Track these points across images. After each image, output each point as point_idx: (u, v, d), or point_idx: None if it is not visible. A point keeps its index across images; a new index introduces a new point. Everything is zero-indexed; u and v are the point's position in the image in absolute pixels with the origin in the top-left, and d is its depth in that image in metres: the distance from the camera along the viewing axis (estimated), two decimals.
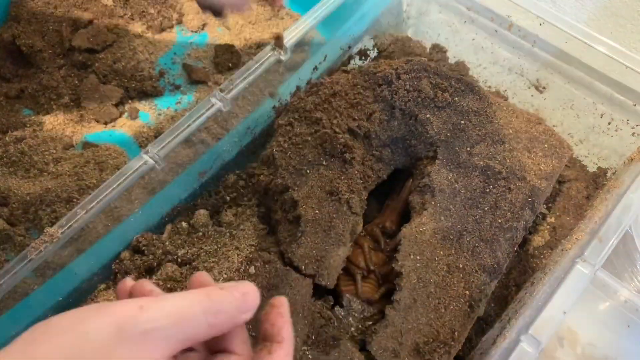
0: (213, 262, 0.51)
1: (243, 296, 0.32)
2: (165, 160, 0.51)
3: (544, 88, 0.63)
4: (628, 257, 0.58)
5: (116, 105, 0.76)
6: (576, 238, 0.50)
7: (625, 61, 0.55)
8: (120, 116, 0.76)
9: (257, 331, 0.35)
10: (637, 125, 0.58)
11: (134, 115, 0.76)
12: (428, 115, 0.52)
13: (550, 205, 0.63)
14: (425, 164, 0.52)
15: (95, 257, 0.53)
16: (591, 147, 0.64)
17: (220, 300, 0.31)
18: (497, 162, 0.50)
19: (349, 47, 0.65)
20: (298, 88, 0.60)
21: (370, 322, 0.48)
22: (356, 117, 0.52)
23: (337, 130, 0.51)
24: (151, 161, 0.50)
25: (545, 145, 0.50)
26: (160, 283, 0.51)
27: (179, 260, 0.53)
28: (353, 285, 0.50)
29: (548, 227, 0.62)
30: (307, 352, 0.45)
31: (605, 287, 0.54)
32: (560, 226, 0.60)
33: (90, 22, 0.79)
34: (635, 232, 0.56)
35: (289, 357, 0.34)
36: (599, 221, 0.49)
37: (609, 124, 0.61)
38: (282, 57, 0.56)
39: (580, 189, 0.63)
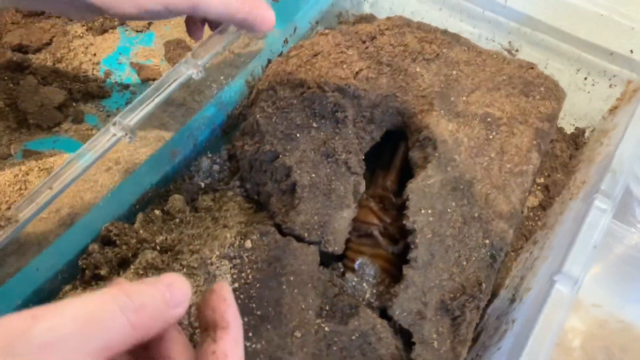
0: (199, 244, 0.45)
1: (168, 287, 0.27)
2: (137, 133, 0.45)
3: (516, 51, 0.63)
4: (625, 208, 0.57)
5: (59, 108, 0.69)
6: (581, 182, 0.48)
7: (600, 9, 0.55)
8: (64, 120, 0.69)
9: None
10: (614, 76, 0.58)
11: (79, 119, 0.69)
12: (417, 69, 0.49)
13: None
14: (420, 118, 0.49)
15: (60, 252, 0.45)
16: (567, 107, 0.64)
17: (140, 294, 0.26)
18: (496, 108, 0.47)
19: (317, 23, 0.62)
20: (269, 61, 0.56)
21: (384, 288, 0.44)
22: (343, 76, 0.49)
23: (325, 88, 0.47)
24: (122, 132, 0.44)
25: (542, 89, 0.48)
26: (140, 272, 0.44)
27: (158, 247, 0.47)
28: (366, 247, 0.45)
29: (539, 187, 0.60)
30: (323, 325, 0.40)
31: (613, 235, 0.53)
32: (553, 183, 0.59)
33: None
34: (632, 182, 0.55)
35: (237, 344, 0.29)
36: (603, 160, 0.47)
37: (585, 79, 0.60)
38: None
39: (563, 148, 0.62)
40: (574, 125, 0.65)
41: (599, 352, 0.55)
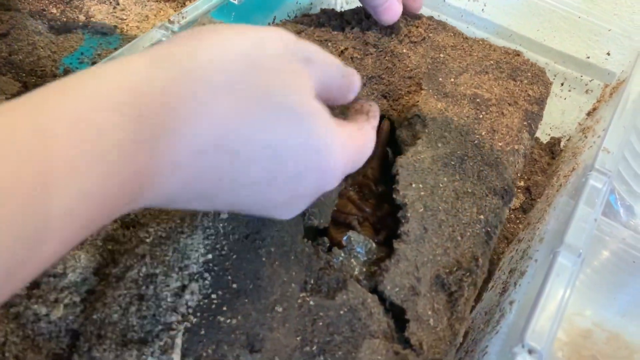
0: (166, 217, 0.41)
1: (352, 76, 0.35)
2: None
3: None
4: (607, 207, 0.56)
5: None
6: (570, 169, 0.47)
7: (573, 16, 0.56)
8: None
9: None
10: (590, 81, 0.59)
11: None
12: (404, 50, 0.48)
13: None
14: (407, 99, 0.47)
15: None
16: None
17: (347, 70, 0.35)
18: (485, 90, 0.46)
19: (296, 16, 0.61)
20: None
21: (377, 265, 0.40)
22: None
23: None
24: None
25: (529, 74, 0.48)
26: (99, 243, 0.39)
27: (119, 221, 0.41)
28: (346, 229, 0.41)
29: (519, 190, 0.58)
30: (308, 299, 0.36)
31: (605, 231, 0.51)
32: (534, 185, 0.57)
33: None
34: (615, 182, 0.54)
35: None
36: (594, 145, 0.46)
37: (562, 84, 0.61)
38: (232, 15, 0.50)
39: (541, 154, 0.61)
40: (549, 135, 0.64)
41: None
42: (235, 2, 0.49)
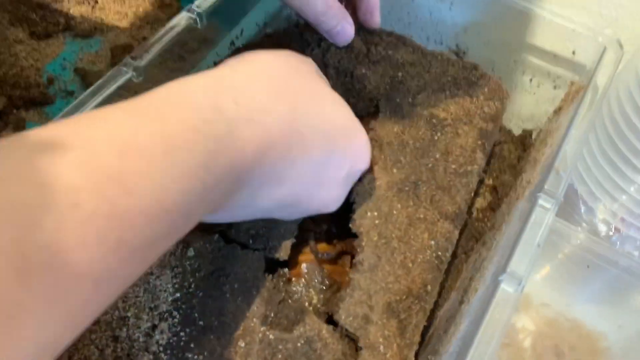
0: None
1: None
2: None
3: (464, 53, 0.63)
4: (571, 207, 0.58)
5: None
6: (527, 182, 0.49)
7: (543, 13, 0.56)
8: (4, 128, 0.66)
9: None
10: (558, 78, 0.59)
11: (20, 126, 0.67)
12: (364, 71, 0.49)
13: (485, 168, 0.62)
14: (367, 121, 0.49)
15: None
16: (514, 110, 0.65)
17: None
18: (441, 109, 0.47)
19: (265, 25, 0.62)
20: (215, 64, 0.55)
21: (330, 294, 0.43)
22: None
23: None
24: None
25: (485, 89, 0.49)
26: None
27: None
28: (307, 254, 0.44)
29: (488, 188, 0.60)
30: (268, 333, 0.39)
31: (560, 234, 0.53)
32: (501, 184, 0.59)
33: None
34: (575, 180, 0.56)
35: None
36: (546, 161, 0.48)
37: (531, 80, 0.61)
38: (198, 24, 0.51)
39: (511, 150, 0.63)
40: (521, 127, 0.65)
41: (549, 351, 0.56)
42: (199, 25, 0.50)
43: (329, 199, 0.39)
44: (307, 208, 0.39)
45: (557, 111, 0.58)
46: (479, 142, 0.46)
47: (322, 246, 0.46)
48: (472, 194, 0.45)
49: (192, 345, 0.38)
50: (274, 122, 0.32)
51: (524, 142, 0.64)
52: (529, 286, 0.61)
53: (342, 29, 0.47)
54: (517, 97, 0.63)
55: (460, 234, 0.59)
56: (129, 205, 0.23)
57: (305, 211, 0.39)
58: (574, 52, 0.56)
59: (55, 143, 0.22)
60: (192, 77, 0.31)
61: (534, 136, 0.65)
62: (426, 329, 0.45)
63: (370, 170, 0.46)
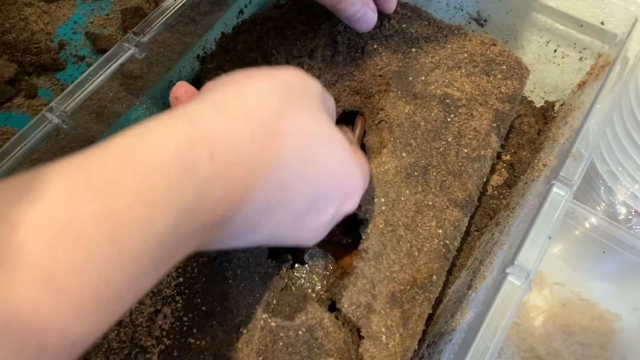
0: None
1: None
2: (75, 119, 0.43)
3: (485, 21, 0.60)
4: (589, 186, 0.55)
5: (10, 83, 0.66)
6: (543, 164, 0.47)
7: None
8: (16, 95, 0.66)
9: None
10: (584, 49, 0.56)
11: (32, 93, 0.66)
12: (375, 46, 0.47)
13: (503, 143, 0.60)
14: (377, 99, 0.47)
15: None
16: (537, 80, 0.62)
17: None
18: (456, 88, 0.45)
19: None
20: (223, 34, 0.53)
21: (334, 279, 0.43)
22: (296, 54, 0.46)
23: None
24: (56, 119, 0.41)
25: (504, 67, 0.46)
26: None
27: None
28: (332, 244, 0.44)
29: (504, 165, 0.58)
30: (270, 320, 0.39)
31: (574, 216, 0.52)
32: (518, 161, 0.57)
33: None
34: (596, 158, 0.53)
35: None
36: (565, 142, 0.45)
37: (555, 51, 0.58)
38: None
39: (531, 123, 0.60)
40: (543, 98, 0.62)
41: (560, 331, 0.55)
42: None
43: (309, 239, 0.35)
44: (285, 244, 0.35)
45: (582, 85, 0.55)
46: (494, 125, 0.44)
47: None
48: (485, 180, 0.44)
49: (194, 330, 0.39)
50: (254, 176, 0.28)
51: (545, 115, 0.62)
52: (543, 264, 0.60)
53: (363, 16, 0.43)
54: (540, 67, 0.60)
55: (475, 211, 0.58)
56: (56, 308, 0.20)
57: (285, 244, 0.36)
58: (602, 22, 0.53)
59: None
60: (166, 120, 0.26)
61: (556, 108, 0.62)
62: (434, 309, 0.45)
63: (378, 153, 0.44)
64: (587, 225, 0.50)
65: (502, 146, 0.60)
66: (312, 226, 0.34)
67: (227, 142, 0.27)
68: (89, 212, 0.21)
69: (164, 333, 0.38)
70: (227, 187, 0.26)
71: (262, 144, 0.28)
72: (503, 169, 0.58)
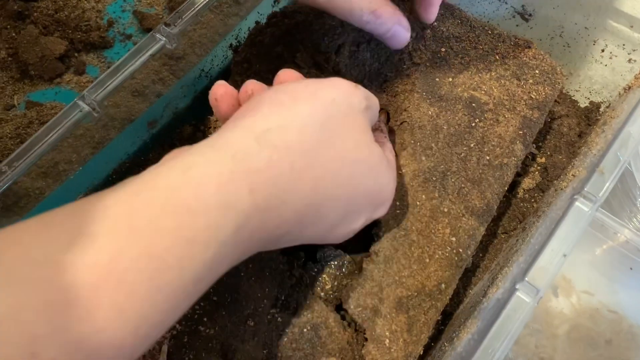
0: None
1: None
2: (105, 107, 0.44)
3: (530, 15, 0.57)
4: (626, 195, 0.53)
5: (61, 59, 0.69)
6: (572, 175, 0.45)
7: None
8: (66, 71, 0.69)
9: None
10: (634, 51, 0.53)
11: (81, 70, 0.69)
12: None
13: (540, 144, 0.58)
14: (402, 99, 0.46)
15: None
16: (582, 80, 0.59)
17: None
18: (483, 92, 0.44)
19: None
20: (257, 23, 0.54)
21: (348, 280, 0.43)
22: (323, 50, 0.46)
23: (302, 65, 0.45)
24: (87, 108, 0.43)
25: (536, 72, 0.44)
26: None
27: None
28: None
29: (538, 167, 0.56)
30: (277, 315, 0.40)
31: (604, 229, 0.50)
32: (552, 165, 0.55)
33: None
34: (635, 167, 0.51)
35: None
36: (597, 154, 0.43)
37: (603, 51, 0.55)
38: None
39: (572, 125, 0.58)
40: (588, 98, 0.60)
41: (584, 342, 0.53)
42: None
43: (338, 240, 0.37)
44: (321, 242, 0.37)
45: (627, 89, 0.52)
46: (520, 132, 0.43)
47: None
48: (506, 188, 0.43)
49: (205, 319, 0.40)
50: (290, 207, 0.29)
51: (589, 117, 0.59)
52: (572, 270, 0.59)
53: (394, 34, 0.42)
54: (587, 65, 0.57)
55: (503, 213, 0.56)
56: (100, 342, 0.22)
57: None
58: None
59: (22, 275, 0.21)
60: (209, 154, 0.27)
61: (601, 110, 0.59)
62: (453, 309, 0.45)
63: (398, 154, 0.44)
64: (618, 238, 0.48)
65: (538, 148, 0.58)
66: (342, 233, 0.36)
67: (267, 176, 0.28)
68: (131, 255, 0.23)
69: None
70: (264, 218, 0.28)
71: (301, 173, 0.29)
72: (537, 172, 0.56)
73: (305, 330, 0.40)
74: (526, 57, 0.45)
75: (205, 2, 0.46)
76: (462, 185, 0.42)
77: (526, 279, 0.38)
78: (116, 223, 0.23)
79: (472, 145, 0.43)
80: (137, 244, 0.23)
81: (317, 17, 0.47)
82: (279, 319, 0.40)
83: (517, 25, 0.59)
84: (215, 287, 0.41)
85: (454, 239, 0.41)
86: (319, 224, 0.33)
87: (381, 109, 0.49)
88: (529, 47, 0.45)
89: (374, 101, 0.37)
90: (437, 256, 0.41)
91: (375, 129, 0.44)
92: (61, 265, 0.22)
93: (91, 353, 0.22)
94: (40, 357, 0.20)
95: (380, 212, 0.37)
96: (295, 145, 0.29)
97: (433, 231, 0.41)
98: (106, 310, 0.22)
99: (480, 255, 0.55)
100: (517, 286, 0.38)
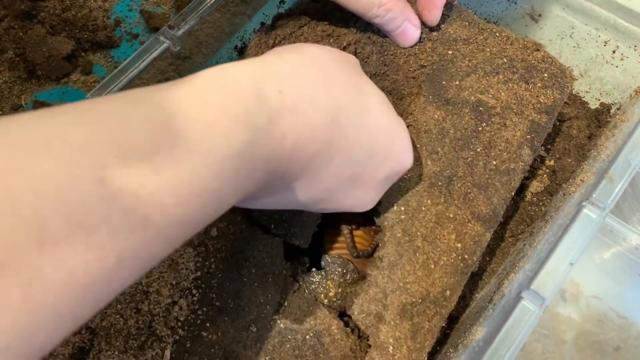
0: None
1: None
2: None
3: (539, 16, 0.56)
4: (636, 200, 0.52)
5: (68, 59, 0.69)
6: (581, 180, 0.44)
7: None
8: (73, 71, 0.69)
9: None
10: None
11: (87, 69, 0.69)
12: (411, 46, 0.45)
13: (549, 146, 0.57)
14: (408, 102, 0.45)
15: None
16: (592, 81, 0.58)
17: None
18: (491, 96, 0.43)
19: None
20: (263, 24, 0.53)
21: (353, 287, 0.43)
22: None
23: None
24: None
25: (545, 75, 0.43)
26: None
27: None
28: (338, 244, 0.44)
29: (547, 170, 0.56)
30: (279, 321, 0.40)
31: (613, 234, 0.49)
32: (561, 169, 0.54)
33: None
34: None
35: None
36: (607, 159, 0.43)
37: (614, 52, 0.54)
38: None
39: (581, 127, 0.57)
40: (599, 100, 0.59)
41: (592, 348, 0.53)
42: None
43: (364, 200, 0.37)
44: (340, 205, 0.37)
45: (638, 92, 0.51)
46: (528, 137, 0.42)
47: (359, 233, 0.45)
48: (513, 194, 0.42)
49: (207, 324, 0.40)
50: (318, 114, 0.31)
51: (600, 118, 0.58)
52: (581, 273, 0.58)
53: (404, 31, 0.43)
54: (597, 67, 0.56)
55: (511, 216, 0.56)
56: (159, 185, 0.23)
57: (337, 208, 0.38)
58: None
59: (91, 117, 0.22)
60: (237, 62, 0.30)
61: (612, 112, 0.58)
62: (459, 313, 0.44)
63: None
64: (628, 244, 0.48)
65: (547, 150, 0.57)
66: (368, 184, 0.36)
67: (293, 81, 0.30)
68: (184, 116, 0.25)
69: (179, 324, 0.40)
70: (294, 122, 0.29)
71: (324, 89, 0.32)
72: (545, 175, 0.55)
73: (307, 337, 0.39)
74: (535, 60, 0.44)
75: (211, 2, 0.46)
76: (468, 190, 0.41)
77: (532, 287, 0.37)
78: (168, 91, 0.26)
79: (478, 149, 0.42)
80: (190, 109, 0.25)
81: (323, 18, 0.47)
82: (282, 325, 0.40)
83: (526, 26, 0.58)
84: (219, 292, 0.41)
85: (459, 245, 0.40)
86: (347, 156, 0.33)
87: None
88: (538, 50, 0.44)
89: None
90: (442, 262, 0.40)
91: None
92: (125, 116, 0.24)
93: (150, 197, 0.23)
94: (108, 185, 0.21)
95: (401, 168, 0.37)
96: (313, 64, 0.32)
97: (438, 237, 0.41)
98: (163, 157, 0.23)
99: (487, 259, 0.55)
100: (523, 294, 0.37)
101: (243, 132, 0.26)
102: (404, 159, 0.37)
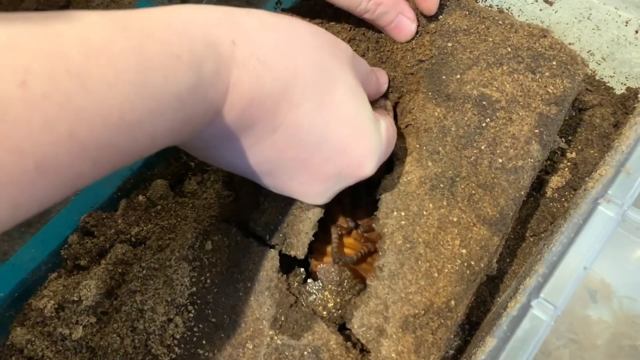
0: (169, 238, 0.44)
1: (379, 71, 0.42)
2: None
3: None
4: None
5: None
6: (599, 174, 0.41)
7: None
8: None
9: None
10: None
11: None
12: (408, 40, 0.43)
13: (570, 137, 0.53)
14: (407, 100, 0.43)
15: (42, 244, 0.46)
16: (617, 64, 0.54)
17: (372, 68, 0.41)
18: (495, 88, 0.40)
19: None
20: None
21: (351, 296, 0.41)
22: None
23: None
24: None
25: (553, 63, 0.40)
26: (110, 268, 0.44)
27: (133, 239, 0.46)
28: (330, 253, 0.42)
29: (569, 164, 0.52)
30: (276, 337, 0.38)
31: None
32: (583, 162, 0.51)
33: None
34: None
35: None
36: (626, 150, 0.39)
37: (637, 32, 0.50)
38: None
39: (606, 115, 0.53)
40: (625, 84, 0.54)
41: (624, 354, 0.49)
42: None
43: (312, 190, 0.36)
44: (287, 188, 0.36)
45: None
46: (536, 131, 0.39)
47: (349, 239, 0.43)
48: (523, 193, 0.39)
49: (203, 341, 0.39)
50: (267, 79, 0.29)
51: (626, 105, 0.54)
52: (613, 274, 0.54)
53: (398, 25, 0.41)
54: (620, 49, 0.52)
55: (531, 214, 0.52)
56: (86, 103, 0.22)
57: (284, 191, 0.37)
58: None
59: (21, 25, 0.22)
60: (204, 6, 0.29)
61: (639, 96, 0.54)
62: (480, 318, 0.42)
63: (401, 161, 0.41)
64: None
65: (568, 142, 0.53)
66: (315, 172, 0.34)
67: (252, 37, 0.29)
68: (122, 44, 0.24)
69: (175, 342, 0.39)
70: (240, 77, 0.28)
71: (284, 56, 0.30)
72: (566, 169, 0.51)
73: (305, 353, 0.37)
74: (542, 47, 0.41)
75: (211, 2, 0.44)
76: (473, 191, 0.39)
77: (541, 295, 0.34)
78: (110, 20, 0.24)
79: (483, 147, 0.39)
80: (128, 40, 0.24)
81: (315, 16, 0.45)
82: (279, 341, 0.38)
83: (540, 10, 0.54)
84: (215, 308, 0.39)
85: (464, 250, 0.38)
86: (292, 134, 0.32)
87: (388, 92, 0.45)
88: (545, 36, 0.41)
89: (362, 62, 0.38)
90: (446, 270, 0.38)
91: (380, 106, 0.42)
92: (58, 29, 0.23)
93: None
94: (31, 90, 0.21)
95: (355, 173, 0.35)
96: (282, 29, 0.31)
97: (442, 243, 0.38)
98: (95, 79, 0.22)
99: (508, 260, 0.52)
100: (532, 303, 0.34)
101: (184, 73, 0.26)
102: (361, 163, 0.35)
